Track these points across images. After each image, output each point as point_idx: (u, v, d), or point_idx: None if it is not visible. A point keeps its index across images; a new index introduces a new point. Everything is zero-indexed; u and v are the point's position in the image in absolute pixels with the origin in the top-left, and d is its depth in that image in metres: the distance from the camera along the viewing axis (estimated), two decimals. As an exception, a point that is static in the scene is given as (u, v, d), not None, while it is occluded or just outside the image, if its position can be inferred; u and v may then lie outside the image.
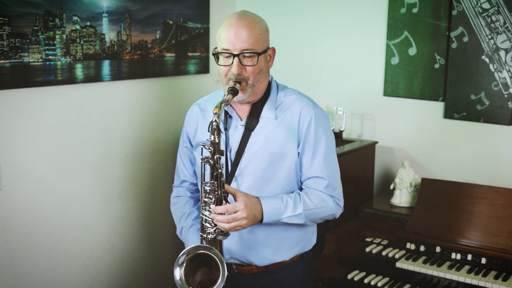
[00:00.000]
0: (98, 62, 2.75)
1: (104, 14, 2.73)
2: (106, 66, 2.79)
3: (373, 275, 2.73)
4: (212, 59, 3.40)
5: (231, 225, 1.88)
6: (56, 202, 2.65)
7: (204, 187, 1.91)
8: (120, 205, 2.97)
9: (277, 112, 2.07)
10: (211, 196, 1.89)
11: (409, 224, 2.86)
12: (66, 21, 2.56)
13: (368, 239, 2.96)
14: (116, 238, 2.97)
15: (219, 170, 1.87)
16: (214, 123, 1.84)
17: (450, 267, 2.63)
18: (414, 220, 2.85)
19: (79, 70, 2.66)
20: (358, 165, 3.16)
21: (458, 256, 2.69)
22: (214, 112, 1.83)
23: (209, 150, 1.86)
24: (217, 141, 1.85)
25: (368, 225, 3.03)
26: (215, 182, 1.88)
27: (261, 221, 1.96)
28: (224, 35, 1.95)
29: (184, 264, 1.86)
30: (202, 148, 1.89)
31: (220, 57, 1.99)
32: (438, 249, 2.75)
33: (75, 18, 2.60)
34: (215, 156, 1.86)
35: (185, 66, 3.23)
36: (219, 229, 1.91)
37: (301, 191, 2.09)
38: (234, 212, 1.88)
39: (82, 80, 2.68)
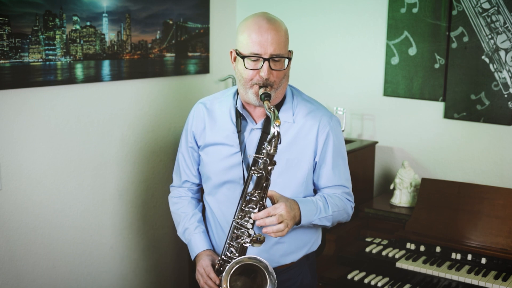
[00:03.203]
0: (98, 62, 2.75)
1: (104, 14, 2.73)
2: (106, 66, 2.78)
3: (373, 275, 2.73)
4: (212, 59, 3.40)
5: (279, 227, 1.86)
6: (56, 202, 2.65)
7: (246, 197, 1.89)
8: (120, 205, 2.97)
9: (295, 117, 2.06)
10: (254, 206, 1.88)
11: (409, 224, 2.85)
12: (66, 21, 2.56)
13: (368, 239, 2.95)
14: (116, 238, 2.97)
15: (269, 181, 1.87)
16: (275, 134, 1.81)
17: (450, 267, 2.63)
18: (414, 220, 2.85)
19: (79, 70, 2.66)
20: (358, 165, 3.16)
21: (458, 256, 2.69)
22: (277, 124, 1.80)
23: (263, 161, 1.85)
24: (274, 153, 1.84)
25: (368, 225, 3.03)
26: (262, 193, 1.87)
27: (299, 222, 1.97)
28: (254, 38, 1.90)
29: (231, 273, 1.85)
30: (253, 158, 1.90)
31: (246, 60, 1.93)
32: (438, 249, 2.75)
33: (75, 18, 2.60)
34: (269, 168, 1.86)
35: (185, 66, 3.23)
36: (255, 237, 1.89)
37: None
38: (273, 215, 1.87)
39: (82, 80, 2.68)
